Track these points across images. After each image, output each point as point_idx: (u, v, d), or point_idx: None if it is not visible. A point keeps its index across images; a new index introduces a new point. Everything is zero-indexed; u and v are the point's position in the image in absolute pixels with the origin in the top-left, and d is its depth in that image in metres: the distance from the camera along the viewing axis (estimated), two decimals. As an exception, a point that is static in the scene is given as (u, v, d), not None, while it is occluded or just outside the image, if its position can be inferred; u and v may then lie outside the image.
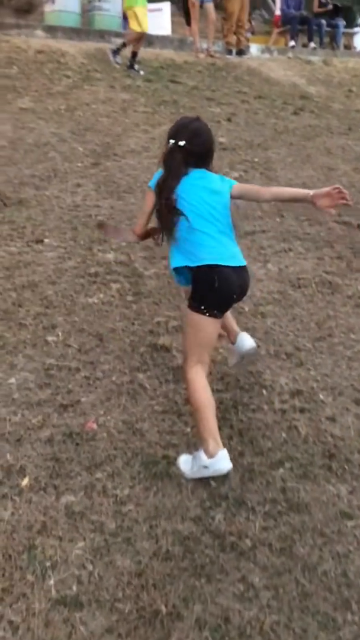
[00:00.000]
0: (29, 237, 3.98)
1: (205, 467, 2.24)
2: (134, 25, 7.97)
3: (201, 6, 9.26)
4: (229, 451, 2.40)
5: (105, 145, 5.63)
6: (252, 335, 3.16)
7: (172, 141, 2.39)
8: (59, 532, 2.05)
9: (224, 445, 2.31)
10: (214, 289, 2.27)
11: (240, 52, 10.20)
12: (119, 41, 8.45)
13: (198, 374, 2.31)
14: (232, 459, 2.38)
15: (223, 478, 2.30)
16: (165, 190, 2.36)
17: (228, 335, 2.76)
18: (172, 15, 13.53)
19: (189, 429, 2.53)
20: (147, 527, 2.09)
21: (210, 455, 2.23)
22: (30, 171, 4.90)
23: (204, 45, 9.70)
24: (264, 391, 2.79)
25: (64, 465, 2.30)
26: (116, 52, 8.17)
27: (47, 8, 10.77)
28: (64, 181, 4.83)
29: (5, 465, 2.28)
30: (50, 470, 2.27)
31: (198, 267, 2.29)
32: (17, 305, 3.25)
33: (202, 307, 2.29)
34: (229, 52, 10.15)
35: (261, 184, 5.20)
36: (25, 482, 2.22)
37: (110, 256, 3.85)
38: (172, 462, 2.35)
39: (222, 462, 2.23)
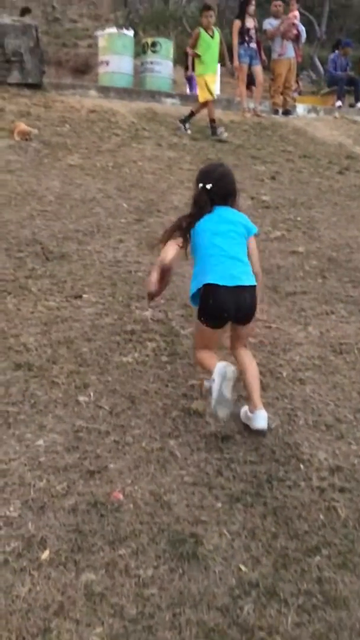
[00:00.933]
0: (68, 292, 4.00)
1: (213, 380, 2.57)
2: (204, 94, 8.07)
3: (249, 68, 9.52)
4: (262, 533, 2.27)
5: (149, 201, 5.71)
6: (290, 403, 3.06)
7: (200, 185, 2.80)
8: (76, 614, 1.92)
9: (257, 526, 2.20)
10: (208, 305, 2.69)
11: (287, 112, 10.38)
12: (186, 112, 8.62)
13: (202, 353, 2.78)
14: (265, 541, 2.24)
15: (254, 563, 2.14)
16: (186, 223, 2.79)
17: (249, 402, 2.79)
18: (222, 75, 13.99)
19: (219, 504, 2.40)
20: (170, 615, 1.94)
21: (211, 374, 2.60)
22: (74, 226, 4.98)
23: (251, 105, 9.92)
24: (302, 466, 2.63)
25: (87, 538, 2.19)
26: (184, 121, 8.30)
27: (102, 70, 11.32)
28: (107, 236, 4.89)
29: (26, 535, 2.18)
30: (72, 544, 2.16)
31: (203, 285, 2.69)
32: (52, 362, 3.22)
33: (202, 318, 2.75)
34: (275, 111, 10.34)
35: (304, 243, 5.15)
36: (45, 555, 2.12)
37: (148, 314, 3.82)
38: (200, 541, 2.22)
39: (218, 367, 2.57)
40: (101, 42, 11.45)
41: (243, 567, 2.13)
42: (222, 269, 2.64)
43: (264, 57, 9.81)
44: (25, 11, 11.87)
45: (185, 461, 2.61)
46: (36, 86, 8.49)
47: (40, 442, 2.63)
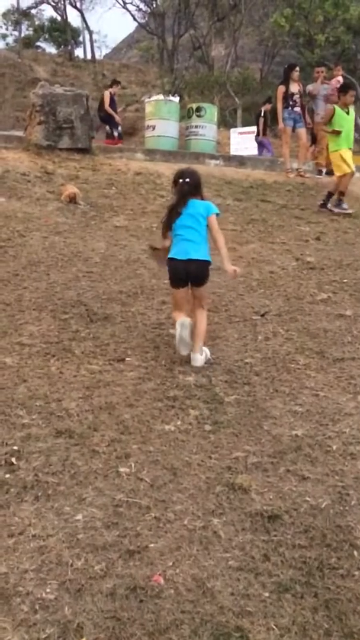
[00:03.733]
0: (111, 354, 3.97)
1: (176, 328, 3.88)
2: (341, 167, 8.00)
3: (293, 131, 9.69)
4: (314, 629, 2.10)
5: (193, 262, 5.71)
6: (341, 480, 2.91)
7: (181, 180, 4.00)
8: None
9: (308, 621, 2.02)
10: (170, 271, 3.97)
11: (330, 172, 10.42)
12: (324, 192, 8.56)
13: (175, 313, 4.01)
14: (317, 639, 2.06)
15: (305, 664, 1.97)
16: (174, 212, 3.99)
17: (192, 348, 3.94)
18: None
19: (267, 594, 2.23)
20: None
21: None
22: (118, 287, 5.02)
23: (294, 166, 10.03)
24: (355, 552, 2.45)
25: (125, 627, 2.06)
26: (324, 205, 8.19)
27: (148, 133, 11.72)
28: (150, 298, 4.89)
29: (62, 621, 2.07)
30: (110, 633, 2.03)
31: (168, 258, 3.97)
32: (93, 429, 3.16)
33: (169, 281, 4.04)
34: (319, 172, 10.41)
35: (351, 306, 5.03)
36: (81, 644, 2.00)
37: (191, 379, 3.74)
38: (246, 635, 2.05)
39: (180, 320, 3.84)
40: (148, 108, 11.92)
41: (293, 670, 1.95)
42: (180, 248, 3.88)
43: (308, 120, 10.00)
44: (114, 83, 12.53)
45: (229, 542, 2.47)
46: (85, 150, 8.82)
47: (79, 516, 2.54)
